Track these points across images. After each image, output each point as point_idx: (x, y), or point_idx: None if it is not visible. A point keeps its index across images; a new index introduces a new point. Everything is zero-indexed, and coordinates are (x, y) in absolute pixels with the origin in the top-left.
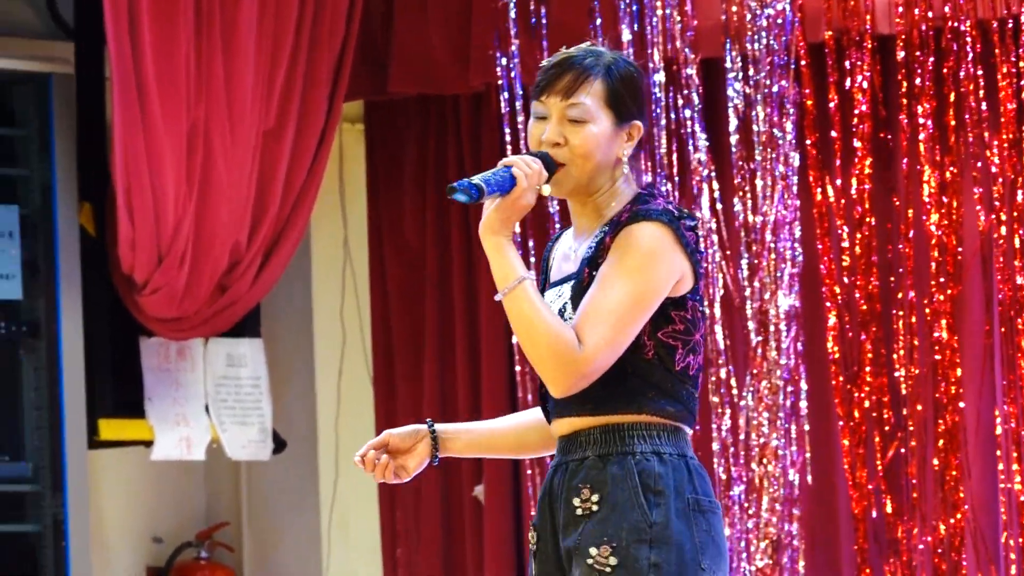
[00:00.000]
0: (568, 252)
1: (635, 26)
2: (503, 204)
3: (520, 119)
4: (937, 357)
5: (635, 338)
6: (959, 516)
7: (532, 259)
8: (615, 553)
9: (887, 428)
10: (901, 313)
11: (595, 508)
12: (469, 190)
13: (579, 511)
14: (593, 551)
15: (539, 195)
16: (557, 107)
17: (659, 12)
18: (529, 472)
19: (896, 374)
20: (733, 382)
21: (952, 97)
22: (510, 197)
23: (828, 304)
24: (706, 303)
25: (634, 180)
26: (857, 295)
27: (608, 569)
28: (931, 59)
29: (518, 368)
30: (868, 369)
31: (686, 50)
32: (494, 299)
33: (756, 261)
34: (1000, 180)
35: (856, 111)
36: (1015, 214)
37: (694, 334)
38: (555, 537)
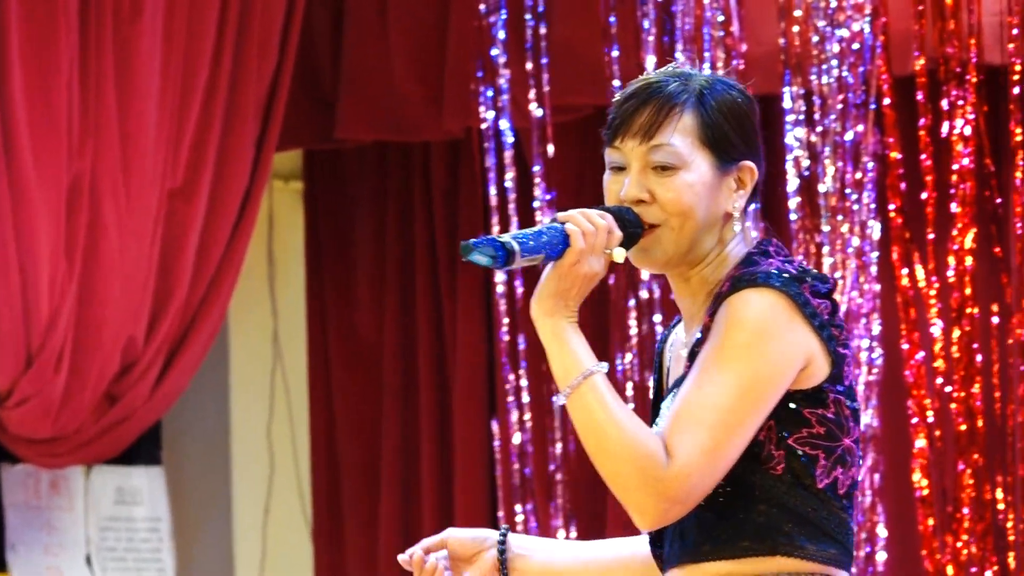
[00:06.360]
0: (681, 350)
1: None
2: (554, 273)
3: (510, 175)
4: None
5: (757, 449)
6: None
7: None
8: None
9: None
10: (1012, 438)
11: None
12: (493, 249)
13: None
14: None
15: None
16: (637, 153)
17: (698, 32)
18: None
19: (1003, 518)
20: None
21: None
22: (563, 264)
23: (915, 422)
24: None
25: (752, 243)
26: (954, 409)
27: None
28: None
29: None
30: (967, 511)
31: None
32: (553, 401)
33: None
34: None
35: (956, 165)
36: None
37: (841, 439)
38: None
